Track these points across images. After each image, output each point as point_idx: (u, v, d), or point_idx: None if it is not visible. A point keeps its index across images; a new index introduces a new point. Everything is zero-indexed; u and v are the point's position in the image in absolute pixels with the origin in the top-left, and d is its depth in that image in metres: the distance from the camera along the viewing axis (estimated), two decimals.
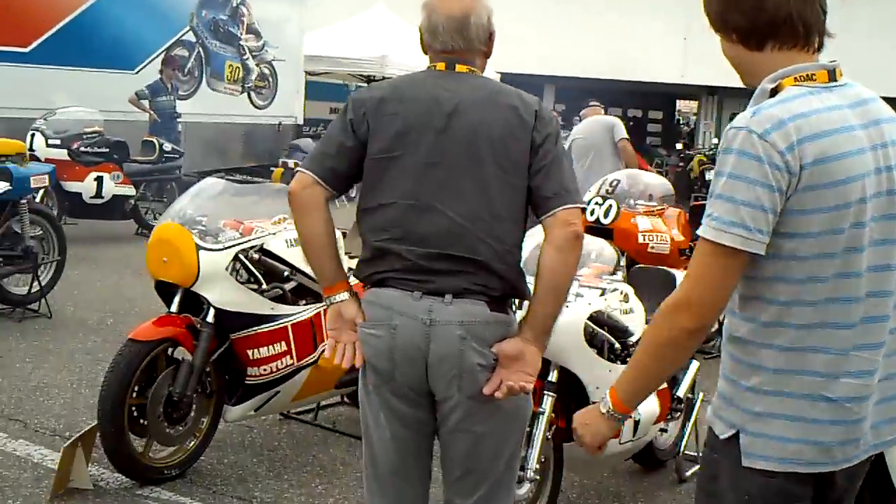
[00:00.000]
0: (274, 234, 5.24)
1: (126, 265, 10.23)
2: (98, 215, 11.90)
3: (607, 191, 7.94)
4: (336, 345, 3.20)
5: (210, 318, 5.01)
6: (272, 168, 16.23)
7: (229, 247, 5.04)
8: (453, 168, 3.09)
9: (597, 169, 10.00)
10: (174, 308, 5.09)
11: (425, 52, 3.30)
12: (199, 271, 4.93)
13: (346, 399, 6.09)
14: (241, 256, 5.07)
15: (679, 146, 25.11)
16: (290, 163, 16.12)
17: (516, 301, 3.46)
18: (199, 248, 4.95)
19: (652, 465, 5.61)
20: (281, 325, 5.20)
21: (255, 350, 5.14)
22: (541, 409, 4.49)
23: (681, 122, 34.85)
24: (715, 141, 23.83)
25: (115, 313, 8.20)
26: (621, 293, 4.83)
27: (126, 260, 10.49)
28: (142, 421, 4.91)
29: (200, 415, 5.15)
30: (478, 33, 3.20)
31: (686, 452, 5.46)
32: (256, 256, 5.11)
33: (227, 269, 5.02)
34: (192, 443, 5.15)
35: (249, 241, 5.12)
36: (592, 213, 7.79)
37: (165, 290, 5.20)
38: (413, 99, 3.16)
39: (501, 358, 3.09)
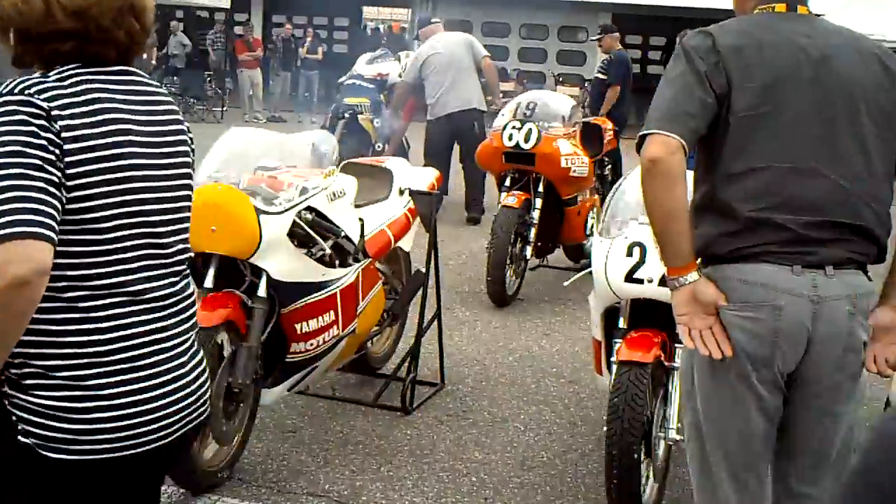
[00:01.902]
0: (325, 188, 4.53)
1: None
2: None
3: (525, 114, 7.59)
4: (691, 332, 2.75)
5: (262, 293, 4.28)
6: None
7: (289, 208, 4.30)
8: (829, 124, 2.73)
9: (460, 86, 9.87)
10: (209, 283, 4.30)
11: None
12: (260, 239, 4.17)
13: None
14: (296, 217, 4.35)
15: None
16: None
17: None
18: (258, 211, 4.19)
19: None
20: (331, 293, 4.56)
21: (304, 323, 4.47)
22: (675, 365, 4.21)
23: None
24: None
25: None
26: None
27: None
28: None
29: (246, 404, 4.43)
30: None
31: None
32: (310, 217, 4.40)
33: (289, 234, 4.30)
34: (237, 437, 4.43)
35: (305, 199, 4.39)
36: (511, 138, 7.42)
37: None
38: (773, 45, 2.74)
39: (875, 330, 2.78)
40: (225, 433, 4.25)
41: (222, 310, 4.18)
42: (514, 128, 7.43)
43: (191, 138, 2.29)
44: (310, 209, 4.42)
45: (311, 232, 4.37)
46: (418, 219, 5.54)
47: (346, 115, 10.56)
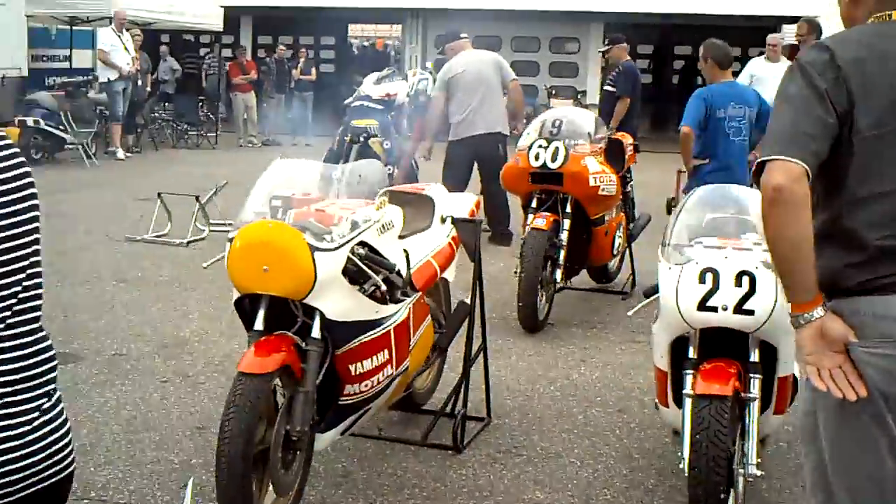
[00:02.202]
0: (377, 221, 4.34)
1: None
2: None
3: (551, 132, 7.39)
4: (820, 373, 2.56)
5: (317, 334, 4.07)
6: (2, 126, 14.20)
7: (343, 244, 4.10)
8: None
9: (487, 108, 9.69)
10: (259, 325, 4.09)
11: None
12: (315, 278, 3.97)
13: None
14: (349, 253, 4.15)
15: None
16: (30, 120, 14.22)
17: None
18: (312, 249, 3.98)
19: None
20: (385, 331, 4.36)
21: (359, 364, 4.27)
22: (751, 395, 4.03)
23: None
24: (429, 66, 23.63)
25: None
26: None
27: None
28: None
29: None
30: None
31: None
32: (363, 251, 4.20)
33: (342, 271, 4.10)
34: (296, 486, 4.21)
35: (358, 234, 4.19)
36: (537, 157, 7.23)
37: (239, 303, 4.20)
38: None
39: None
40: (284, 483, 4.05)
41: (277, 354, 3.98)
42: (540, 147, 7.23)
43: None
44: (362, 244, 4.22)
45: (365, 268, 4.17)
46: (461, 247, 5.35)
47: (361, 139, 10.36)
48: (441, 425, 5.13)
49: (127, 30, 16.37)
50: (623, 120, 11.29)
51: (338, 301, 4.09)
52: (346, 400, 4.33)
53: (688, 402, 4.00)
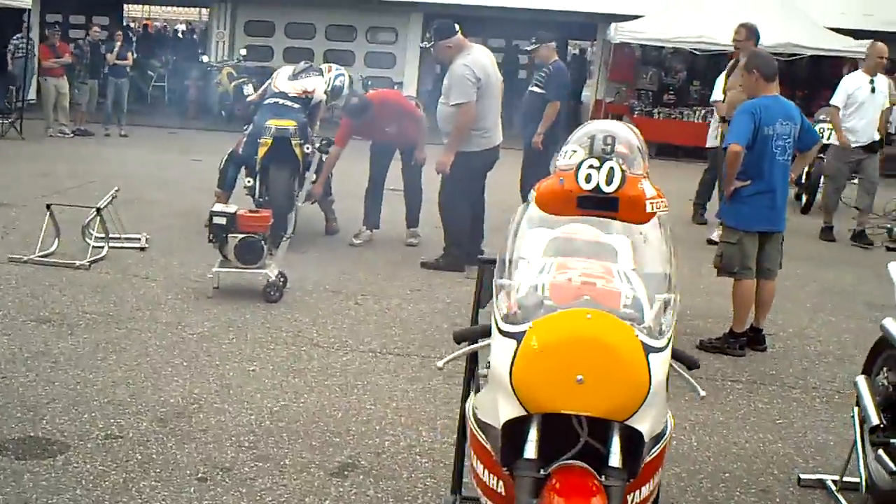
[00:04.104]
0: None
1: None
2: None
3: (603, 149, 6.31)
4: None
5: (617, 461, 2.89)
6: None
7: (670, 337, 2.93)
8: None
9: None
10: (532, 453, 2.87)
11: None
12: (649, 389, 2.79)
13: None
14: None
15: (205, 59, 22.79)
16: None
17: None
18: (647, 349, 2.80)
19: None
20: (664, 444, 3.20)
21: (637, 492, 3.11)
22: None
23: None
24: (243, 53, 21.94)
25: None
26: None
27: None
28: None
29: None
30: None
31: None
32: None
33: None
34: None
35: (675, 319, 3.04)
36: (589, 179, 6.14)
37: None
38: None
39: None
40: None
41: (583, 499, 2.78)
42: (591, 167, 6.14)
43: None
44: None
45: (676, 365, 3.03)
46: None
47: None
48: None
49: None
50: (551, 125, 10.39)
51: (654, 417, 2.92)
52: None
53: None
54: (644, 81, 22.07)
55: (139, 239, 8.97)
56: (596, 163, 6.15)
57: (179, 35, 32.88)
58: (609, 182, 6.10)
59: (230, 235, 7.45)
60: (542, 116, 10.38)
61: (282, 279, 7.52)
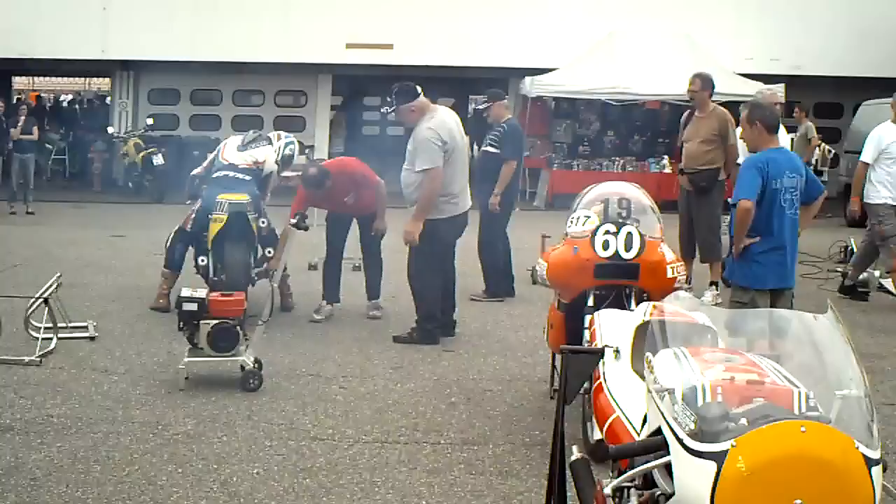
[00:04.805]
0: None
1: None
2: None
3: (619, 214, 5.99)
4: None
5: None
6: None
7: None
8: None
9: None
10: None
11: None
12: None
13: None
14: None
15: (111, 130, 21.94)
16: None
17: None
18: (868, 463, 2.40)
19: None
20: None
21: None
22: None
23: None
24: (150, 122, 21.19)
25: None
26: None
27: None
28: None
29: None
30: None
31: None
32: None
33: None
34: None
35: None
36: (606, 246, 5.81)
37: None
38: None
39: None
40: None
41: None
42: (608, 233, 5.82)
43: None
44: None
45: None
46: None
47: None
48: None
49: None
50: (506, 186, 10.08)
51: None
52: None
53: None
54: (559, 134, 22.01)
55: (86, 327, 8.31)
56: (613, 228, 5.91)
57: (76, 106, 31.76)
58: (628, 248, 5.88)
59: (202, 322, 6.86)
60: (496, 177, 10.05)
61: (257, 365, 6.96)
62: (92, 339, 8.08)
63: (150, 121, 21.36)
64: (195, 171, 9.69)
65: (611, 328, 3.98)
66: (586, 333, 5.00)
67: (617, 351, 3.68)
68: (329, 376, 7.26)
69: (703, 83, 10.30)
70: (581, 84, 19.87)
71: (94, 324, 8.41)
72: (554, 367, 7.00)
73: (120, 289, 10.26)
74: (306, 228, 8.67)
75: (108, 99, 30.86)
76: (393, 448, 5.81)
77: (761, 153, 6.46)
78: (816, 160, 19.08)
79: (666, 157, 21.18)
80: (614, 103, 20.78)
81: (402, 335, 8.34)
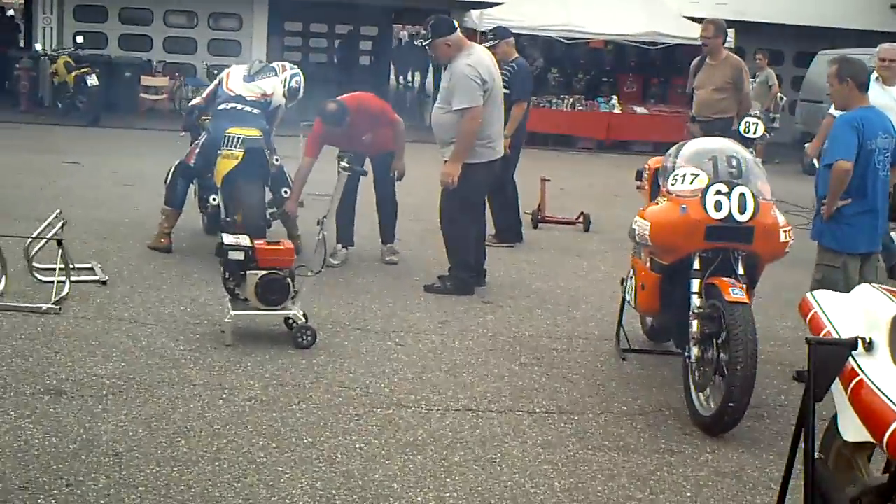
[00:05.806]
0: None
1: None
2: None
3: (731, 173, 5.59)
4: None
5: None
6: None
7: None
8: None
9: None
10: None
11: None
12: None
13: None
14: None
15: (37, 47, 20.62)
16: None
17: None
18: None
19: None
20: None
21: None
22: None
23: None
24: (80, 40, 19.93)
25: None
26: None
27: None
28: None
29: None
30: None
31: None
32: None
33: None
34: None
35: None
36: (719, 207, 5.43)
37: None
38: None
39: None
40: None
41: None
42: (720, 193, 5.43)
43: None
44: None
45: None
46: None
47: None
48: None
49: None
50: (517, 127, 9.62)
51: None
52: None
53: None
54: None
55: (92, 269, 7.64)
56: (724, 188, 5.50)
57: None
58: (742, 210, 5.48)
59: (248, 272, 6.29)
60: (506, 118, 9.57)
61: (305, 319, 6.44)
62: (103, 283, 7.41)
63: (80, 39, 20.14)
64: (194, 102, 9.00)
65: (841, 315, 3.56)
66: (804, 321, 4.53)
67: (870, 343, 3.28)
68: (377, 331, 6.78)
69: (717, 29, 9.92)
70: (533, 20, 19.34)
71: (100, 265, 7.74)
72: (621, 325, 6.68)
73: (105, 224, 9.52)
74: (364, 173, 8.07)
75: (10, 12, 29.30)
76: (489, 417, 5.39)
77: (855, 112, 6.14)
78: (775, 106, 19.15)
79: (615, 97, 20.97)
80: (565, 41, 20.37)
81: (434, 284, 7.88)
